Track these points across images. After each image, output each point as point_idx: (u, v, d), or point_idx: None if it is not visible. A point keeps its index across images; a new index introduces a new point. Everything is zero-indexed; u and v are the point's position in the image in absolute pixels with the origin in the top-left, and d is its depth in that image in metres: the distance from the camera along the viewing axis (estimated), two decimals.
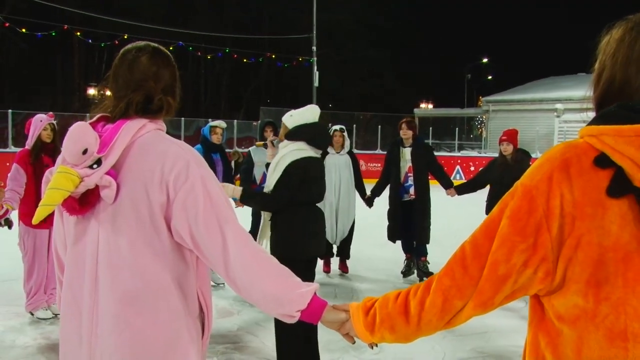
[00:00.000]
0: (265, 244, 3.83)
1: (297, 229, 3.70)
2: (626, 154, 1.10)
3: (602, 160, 1.13)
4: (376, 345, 1.56)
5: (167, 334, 1.56)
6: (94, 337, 1.56)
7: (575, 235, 1.13)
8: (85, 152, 1.51)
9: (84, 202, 1.53)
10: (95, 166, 1.52)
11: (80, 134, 1.53)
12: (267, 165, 3.98)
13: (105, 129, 1.58)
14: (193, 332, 1.63)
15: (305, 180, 3.67)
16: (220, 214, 1.55)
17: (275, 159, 3.75)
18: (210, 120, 6.90)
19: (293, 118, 3.77)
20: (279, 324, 3.66)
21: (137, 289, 1.53)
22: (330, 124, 11.11)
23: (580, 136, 1.20)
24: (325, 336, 3.94)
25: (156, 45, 1.75)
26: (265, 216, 3.82)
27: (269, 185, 3.69)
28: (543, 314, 1.24)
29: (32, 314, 4.84)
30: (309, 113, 3.79)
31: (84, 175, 1.51)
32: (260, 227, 3.92)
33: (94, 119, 1.64)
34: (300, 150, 3.70)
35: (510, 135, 6.11)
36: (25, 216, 4.72)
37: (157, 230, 1.54)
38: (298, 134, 3.72)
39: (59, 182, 1.50)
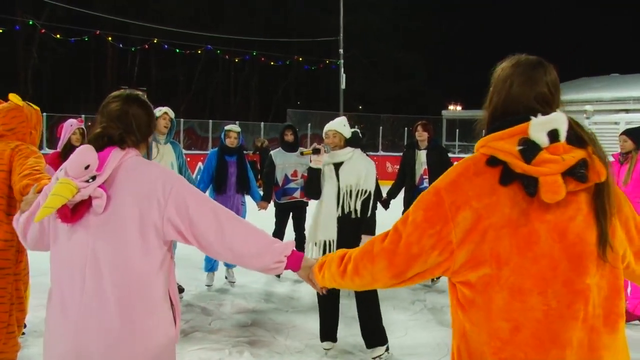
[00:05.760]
0: (311, 247, 4.38)
1: None
2: (506, 150, 1.46)
3: (492, 161, 1.50)
4: (326, 291, 2.03)
5: (148, 323, 1.87)
6: (81, 332, 1.82)
7: (482, 222, 1.46)
8: (87, 167, 1.84)
9: (75, 211, 1.83)
10: (90, 180, 1.84)
11: (87, 153, 1.87)
12: (312, 169, 4.45)
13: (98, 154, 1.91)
14: (170, 320, 1.97)
15: None
16: (206, 203, 1.95)
17: (358, 165, 4.32)
18: (237, 122, 7.20)
19: (347, 127, 4.39)
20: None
21: (124, 284, 1.83)
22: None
23: (475, 150, 1.57)
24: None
25: (132, 93, 2.08)
26: (314, 221, 4.37)
27: (365, 184, 4.30)
28: (459, 292, 1.55)
29: None
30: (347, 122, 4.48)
31: (81, 187, 1.82)
32: (310, 231, 4.43)
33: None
34: (365, 155, 4.48)
35: None
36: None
37: (143, 235, 1.86)
38: (355, 141, 4.39)
39: (60, 190, 1.80)
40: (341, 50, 24.21)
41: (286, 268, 2.00)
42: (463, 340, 1.53)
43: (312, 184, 4.40)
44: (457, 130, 25.41)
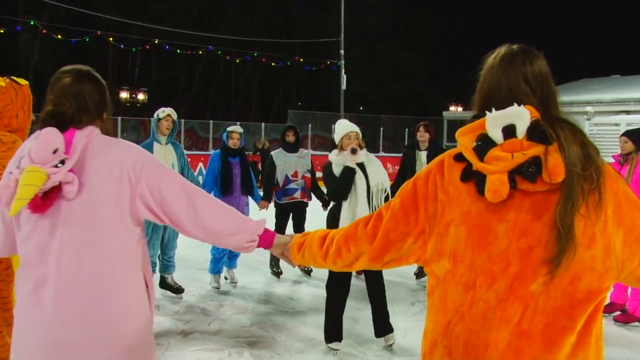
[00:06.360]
0: None
1: None
2: (465, 146, 1.44)
3: (458, 156, 1.49)
4: (306, 268, 1.99)
5: (128, 306, 1.83)
6: (57, 326, 1.75)
7: (445, 215, 1.49)
8: (55, 151, 1.75)
9: (46, 199, 1.75)
10: (60, 165, 1.75)
11: (52, 136, 1.77)
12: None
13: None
14: (145, 303, 1.93)
15: None
16: (177, 180, 1.91)
17: (378, 164, 4.62)
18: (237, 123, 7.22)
19: None
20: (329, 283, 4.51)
21: (102, 269, 1.78)
22: None
23: None
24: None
25: (83, 68, 1.97)
26: (347, 221, 4.37)
27: (385, 183, 4.54)
28: (429, 282, 1.59)
29: None
30: None
31: (51, 173, 1.73)
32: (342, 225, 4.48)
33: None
34: None
35: None
36: None
37: (118, 217, 1.81)
38: None
39: (29, 179, 1.71)
40: (342, 51, 24.18)
41: (258, 246, 2.01)
42: (428, 325, 1.57)
43: (348, 185, 4.43)
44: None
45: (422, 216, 1.53)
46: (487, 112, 1.42)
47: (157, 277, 5.75)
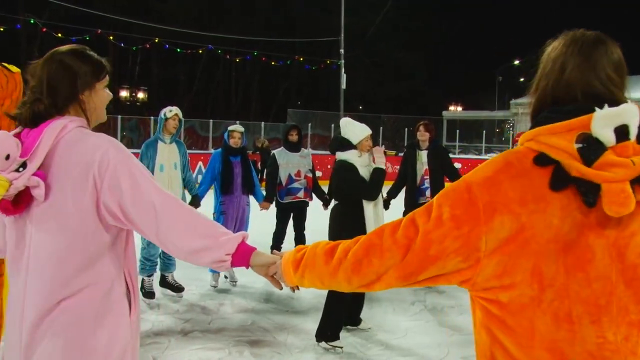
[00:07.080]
0: None
1: None
2: (561, 147, 1.20)
3: (541, 159, 1.23)
4: (297, 289, 1.73)
5: (95, 310, 1.74)
6: (28, 324, 1.71)
7: (519, 230, 1.21)
8: (7, 157, 1.65)
9: (16, 203, 1.68)
10: (21, 169, 1.65)
11: (3, 142, 1.66)
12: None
13: (29, 134, 1.73)
14: (121, 308, 1.81)
15: None
16: (145, 188, 1.72)
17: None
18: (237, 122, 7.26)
19: None
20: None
21: (68, 275, 1.71)
22: None
23: (520, 144, 1.31)
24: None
25: (62, 48, 1.83)
26: (375, 222, 4.52)
27: None
28: (485, 312, 1.32)
29: None
30: None
31: (12, 179, 1.64)
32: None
33: (19, 128, 1.79)
34: None
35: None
36: None
37: (86, 220, 1.71)
38: None
39: None
40: (342, 51, 24.20)
41: (232, 266, 1.78)
42: None
43: (381, 186, 4.55)
44: (458, 130, 25.41)
45: (479, 231, 1.23)
46: (596, 108, 1.20)
47: (157, 275, 5.77)
